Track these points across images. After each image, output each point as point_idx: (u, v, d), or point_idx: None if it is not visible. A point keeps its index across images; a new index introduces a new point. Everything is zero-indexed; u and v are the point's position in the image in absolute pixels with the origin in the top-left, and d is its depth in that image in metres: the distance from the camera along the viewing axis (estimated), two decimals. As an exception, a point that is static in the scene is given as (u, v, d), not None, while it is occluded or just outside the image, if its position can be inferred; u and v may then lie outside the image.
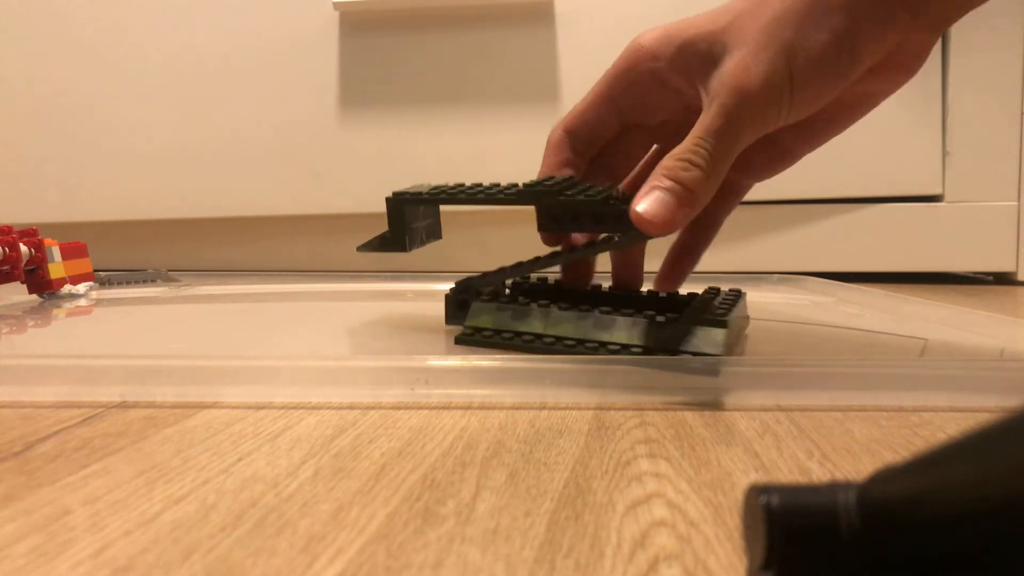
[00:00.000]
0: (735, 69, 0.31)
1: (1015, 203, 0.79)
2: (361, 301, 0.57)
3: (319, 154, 0.81)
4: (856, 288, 0.61)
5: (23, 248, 0.49)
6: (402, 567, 0.16)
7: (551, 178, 0.37)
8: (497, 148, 0.80)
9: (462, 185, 0.40)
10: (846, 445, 0.23)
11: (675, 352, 0.32)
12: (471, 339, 0.37)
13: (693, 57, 0.33)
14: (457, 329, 0.38)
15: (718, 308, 0.35)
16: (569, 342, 0.34)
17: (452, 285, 0.41)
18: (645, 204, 0.31)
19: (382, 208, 0.41)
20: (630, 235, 0.34)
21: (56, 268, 0.52)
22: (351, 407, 0.27)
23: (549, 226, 0.37)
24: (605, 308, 0.35)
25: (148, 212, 0.83)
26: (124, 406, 0.27)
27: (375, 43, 0.81)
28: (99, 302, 0.53)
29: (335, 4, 0.78)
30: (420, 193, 0.40)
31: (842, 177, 0.79)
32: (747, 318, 0.41)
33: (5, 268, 0.49)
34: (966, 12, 0.33)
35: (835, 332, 0.44)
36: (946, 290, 0.73)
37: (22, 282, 0.50)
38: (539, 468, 0.21)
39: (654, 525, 0.18)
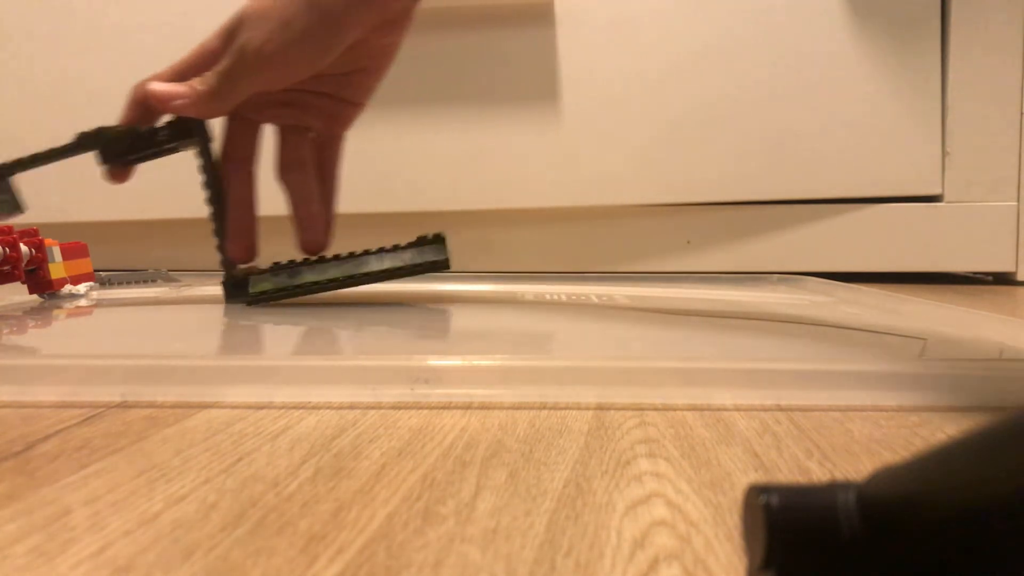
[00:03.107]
0: (245, 39, 0.43)
1: (1015, 203, 0.79)
2: (361, 301, 0.57)
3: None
4: (856, 288, 0.61)
5: (23, 248, 0.49)
6: (402, 567, 0.16)
7: (113, 127, 0.48)
8: (497, 148, 0.81)
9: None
10: (846, 445, 0.23)
11: (420, 265, 0.48)
12: (261, 299, 0.48)
13: (229, 35, 0.44)
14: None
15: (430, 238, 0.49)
16: (336, 280, 0.48)
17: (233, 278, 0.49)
18: (162, 84, 0.46)
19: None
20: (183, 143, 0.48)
21: (57, 268, 0.52)
22: (351, 407, 0.27)
23: (116, 157, 0.48)
24: (355, 252, 0.49)
25: (148, 212, 0.83)
26: (124, 406, 0.27)
27: (375, 43, 0.81)
28: (99, 302, 0.53)
29: (335, 4, 0.78)
30: None
31: (842, 177, 0.79)
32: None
33: (6, 268, 0.49)
34: None
35: (835, 332, 0.44)
36: (946, 290, 0.73)
37: (23, 282, 0.50)
38: (539, 468, 0.21)
39: (654, 525, 0.18)
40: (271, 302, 0.48)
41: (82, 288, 0.55)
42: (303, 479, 0.20)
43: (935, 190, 0.79)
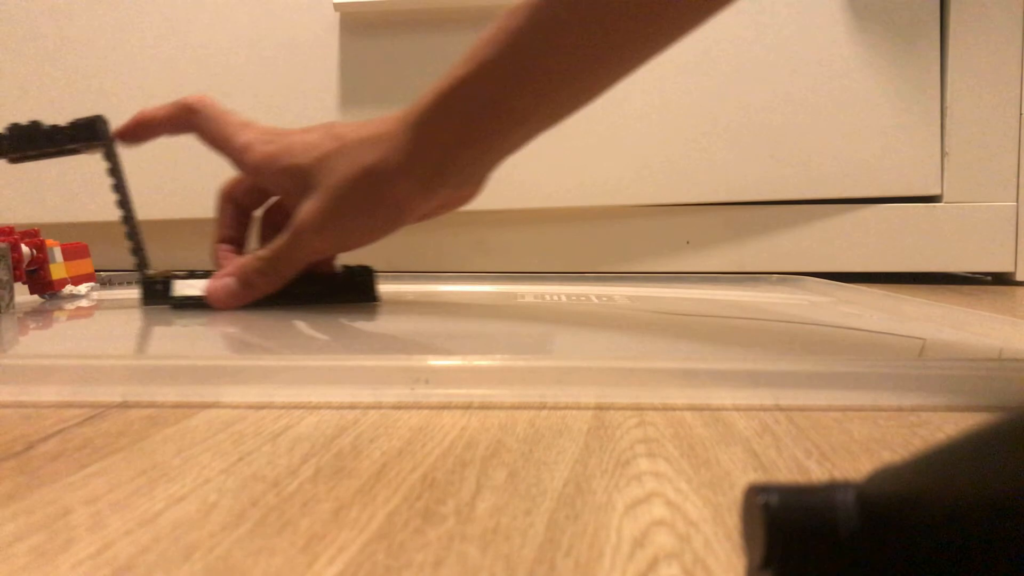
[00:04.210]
0: (308, 216, 0.43)
1: (1013, 203, 0.79)
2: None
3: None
4: (855, 288, 0.61)
5: (24, 249, 0.49)
6: (402, 566, 0.16)
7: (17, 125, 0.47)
8: (497, 148, 0.80)
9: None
10: (845, 445, 0.23)
11: (349, 293, 0.49)
12: (185, 303, 0.47)
13: (288, 184, 0.45)
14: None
15: (356, 271, 0.51)
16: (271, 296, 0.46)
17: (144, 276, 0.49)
18: (215, 285, 0.46)
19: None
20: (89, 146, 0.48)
21: (58, 269, 0.52)
22: (351, 407, 0.27)
23: (3, 153, 0.47)
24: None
25: (148, 212, 0.83)
26: (125, 406, 0.27)
27: (375, 44, 0.81)
28: (100, 303, 0.53)
29: (336, 5, 0.78)
30: None
31: (842, 177, 0.79)
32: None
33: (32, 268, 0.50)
34: (497, 166, 0.44)
35: (834, 332, 0.45)
36: (945, 290, 0.73)
37: (24, 283, 0.50)
38: (539, 467, 0.21)
39: (653, 524, 0.18)
40: (194, 308, 0.47)
41: (83, 288, 0.55)
42: (303, 479, 0.20)
43: (934, 190, 0.79)
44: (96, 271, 0.58)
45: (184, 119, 0.48)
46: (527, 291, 0.60)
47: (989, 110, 0.78)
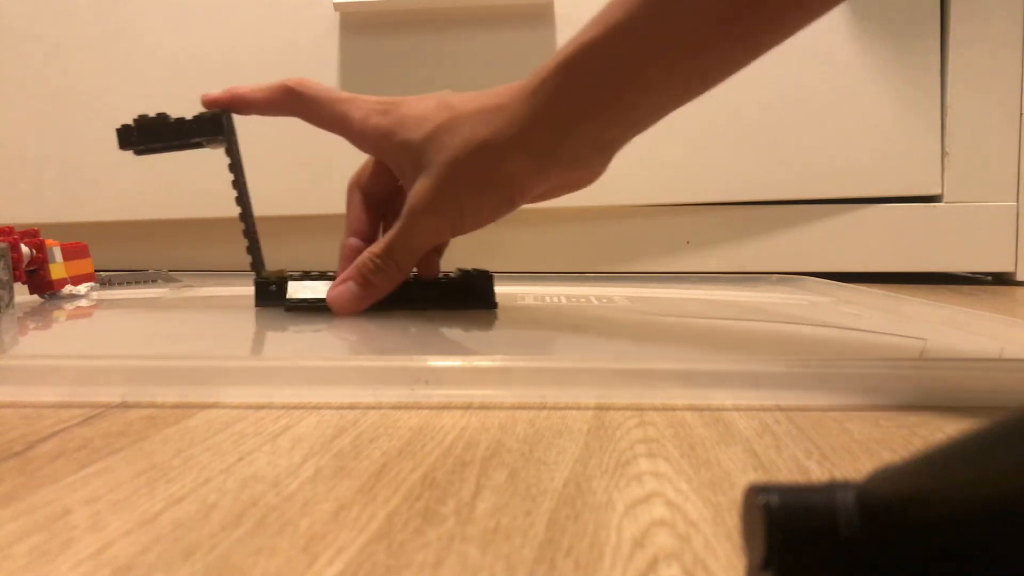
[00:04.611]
0: (420, 197, 0.41)
1: (1014, 203, 0.79)
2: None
3: (319, 154, 0.81)
4: (855, 288, 0.61)
5: (24, 249, 0.49)
6: (402, 566, 0.16)
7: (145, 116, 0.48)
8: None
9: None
10: (845, 445, 0.23)
11: (466, 301, 0.48)
12: (299, 306, 0.46)
13: (403, 161, 0.43)
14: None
15: (474, 276, 0.49)
16: (384, 302, 0.44)
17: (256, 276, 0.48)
18: (337, 291, 0.44)
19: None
20: (210, 141, 0.47)
21: (57, 269, 0.52)
22: (351, 407, 0.27)
23: (130, 144, 0.47)
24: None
25: (148, 212, 0.83)
26: (125, 406, 0.27)
27: (375, 44, 0.81)
28: (100, 303, 0.53)
29: (335, 5, 0.78)
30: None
31: (842, 177, 0.79)
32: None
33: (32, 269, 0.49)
34: (623, 146, 0.41)
35: (834, 332, 0.45)
36: (945, 290, 0.73)
37: (23, 283, 0.50)
38: (539, 467, 0.21)
39: (653, 525, 0.18)
40: (307, 311, 0.45)
41: (83, 288, 0.55)
42: (303, 479, 0.20)
43: (935, 190, 0.79)
44: (96, 271, 0.58)
45: (285, 103, 0.46)
46: (527, 292, 0.60)
47: (989, 110, 0.78)
